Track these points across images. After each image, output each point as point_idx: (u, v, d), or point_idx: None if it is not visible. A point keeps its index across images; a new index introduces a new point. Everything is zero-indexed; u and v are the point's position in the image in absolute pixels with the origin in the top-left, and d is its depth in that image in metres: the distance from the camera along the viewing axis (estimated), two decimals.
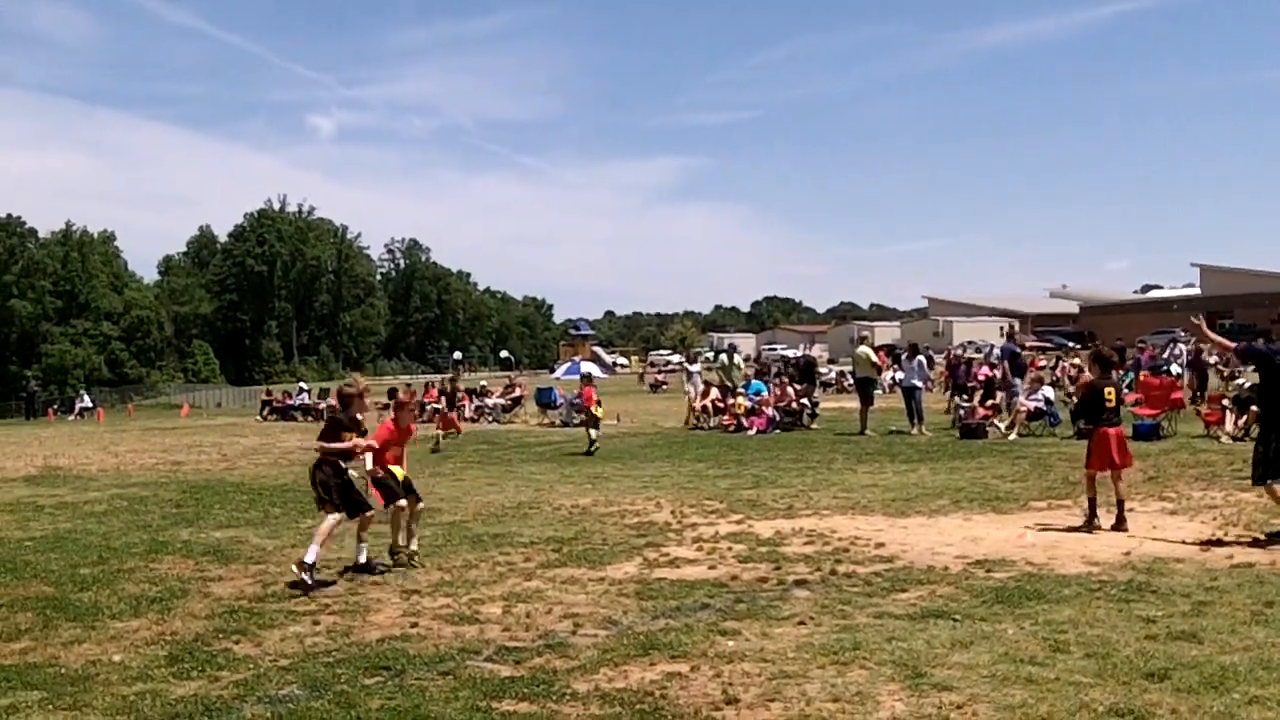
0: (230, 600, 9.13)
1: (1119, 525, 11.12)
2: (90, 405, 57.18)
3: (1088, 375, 13.98)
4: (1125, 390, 19.21)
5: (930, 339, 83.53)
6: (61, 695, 6.59)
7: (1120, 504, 11.32)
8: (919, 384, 24.28)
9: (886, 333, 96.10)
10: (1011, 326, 37.04)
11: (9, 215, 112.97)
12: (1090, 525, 11.30)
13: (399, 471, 10.81)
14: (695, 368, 27.65)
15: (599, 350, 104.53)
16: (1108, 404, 11.64)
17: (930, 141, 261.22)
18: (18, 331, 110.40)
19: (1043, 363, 41.44)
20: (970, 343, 71.90)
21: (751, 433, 24.73)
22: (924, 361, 25.54)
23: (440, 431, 24.35)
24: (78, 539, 12.72)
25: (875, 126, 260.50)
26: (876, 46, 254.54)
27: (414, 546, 10.69)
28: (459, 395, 36.57)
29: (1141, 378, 25.20)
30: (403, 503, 10.56)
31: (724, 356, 30.27)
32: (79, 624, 8.44)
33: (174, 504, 15.63)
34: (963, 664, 6.63)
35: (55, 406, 63.04)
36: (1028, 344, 50.76)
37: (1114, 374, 12.97)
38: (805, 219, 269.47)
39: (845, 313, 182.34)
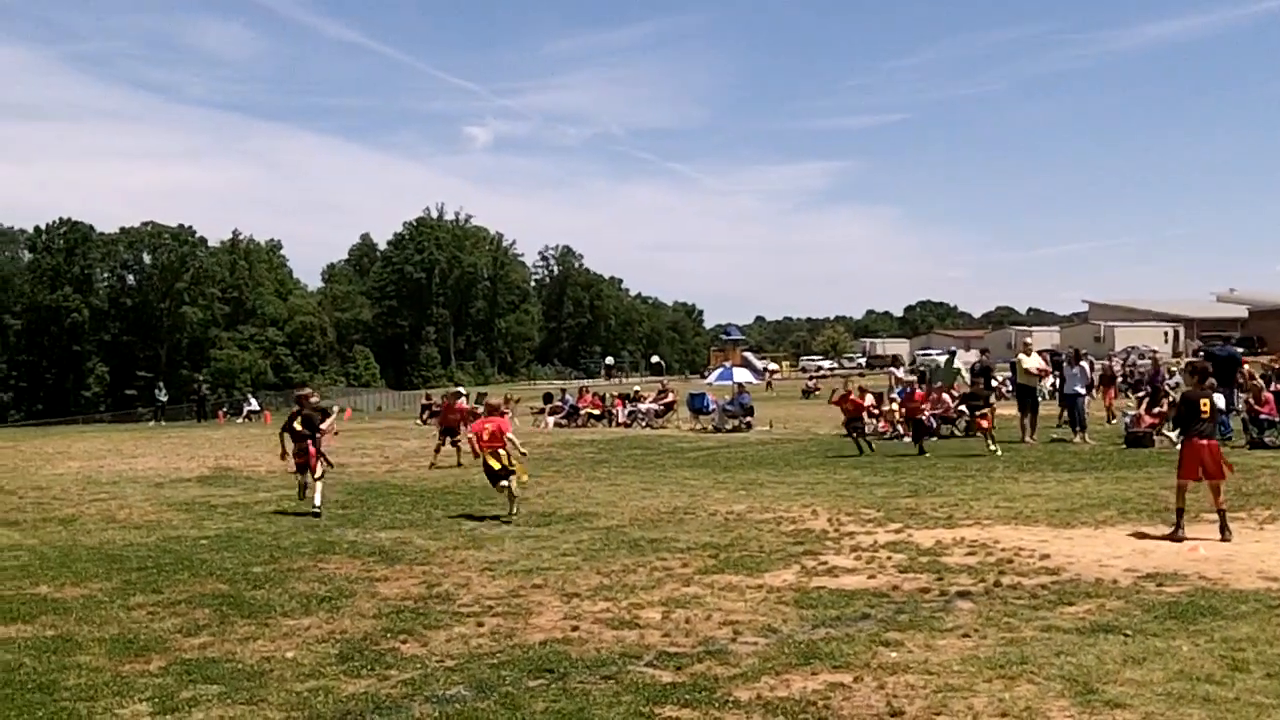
0: (396, 600, 9.37)
1: (1223, 536, 11.01)
2: (257, 408, 59.22)
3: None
4: None
5: (1090, 344, 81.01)
6: (239, 689, 6.85)
7: (1220, 514, 11.24)
8: (1081, 391, 23.60)
9: (1045, 337, 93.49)
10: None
11: (180, 225, 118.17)
12: (1176, 535, 11.16)
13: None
14: (900, 372, 26.74)
15: (749, 355, 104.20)
16: (1203, 415, 11.58)
17: (1086, 141, 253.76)
18: (189, 337, 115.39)
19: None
20: (1133, 348, 69.59)
21: (907, 440, 24.35)
22: (1086, 368, 24.82)
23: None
24: (250, 538, 13.21)
25: (1028, 126, 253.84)
26: (1026, 46, 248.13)
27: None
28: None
29: None
30: None
31: (941, 359, 29.27)
32: (253, 621, 8.77)
33: (339, 505, 16.11)
34: (1135, 681, 6.43)
35: (224, 409, 65.52)
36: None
37: (1209, 385, 12.58)
38: (958, 222, 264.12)
39: (1001, 317, 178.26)
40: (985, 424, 21.44)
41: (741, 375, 36.44)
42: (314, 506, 14.85)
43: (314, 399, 15.90)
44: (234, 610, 9.14)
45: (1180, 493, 11.53)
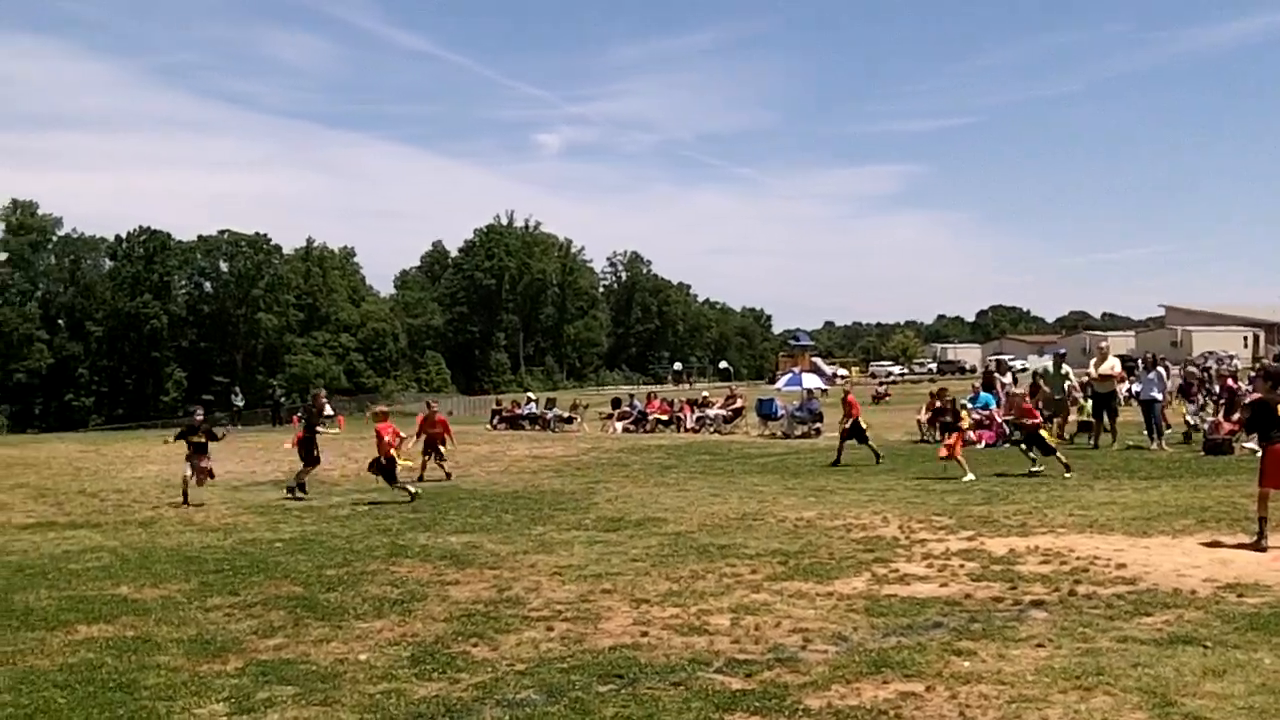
0: (467, 604, 9.44)
1: None
2: (331, 413, 59.82)
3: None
4: None
5: (1167, 349, 79.60)
6: (313, 691, 6.95)
7: None
8: (1158, 396, 23.16)
9: (1121, 342, 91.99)
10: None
11: (256, 233, 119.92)
12: (1259, 545, 10.88)
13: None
14: (1005, 379, 26.02)
15: (819, 361, 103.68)
16: None
17: (1161, 142, 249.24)
18: (264, 343, 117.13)
19: None
20: (1211, 353, 68.25)
21: (979, 446, 24.08)
22: (1163, 373, 24.34)
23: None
24: (323, 541, 13.39)
25: (1102, 127, 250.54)
26: (1099, 46, 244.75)
27: None
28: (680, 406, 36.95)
29: None
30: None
31: (1049, 364, 28.33)
32: (327, 623, 8.89)
33: (411, 509, 16.28)
34: (1216, 694, 6.31)
35: (299, 414, 66.32)
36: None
37: None
38: (1031, 225, 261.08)
39: (1076, 322, 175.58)
40: (948, 450, 19.26)
41: (810, 381, 36.25)
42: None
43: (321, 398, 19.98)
44: (308, 612, 9.27)
45: (1263, 501, 11.28)
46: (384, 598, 9.79)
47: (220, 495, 18.59)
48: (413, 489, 17.57)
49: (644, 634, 8.17)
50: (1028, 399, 21.06)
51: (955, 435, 19.54)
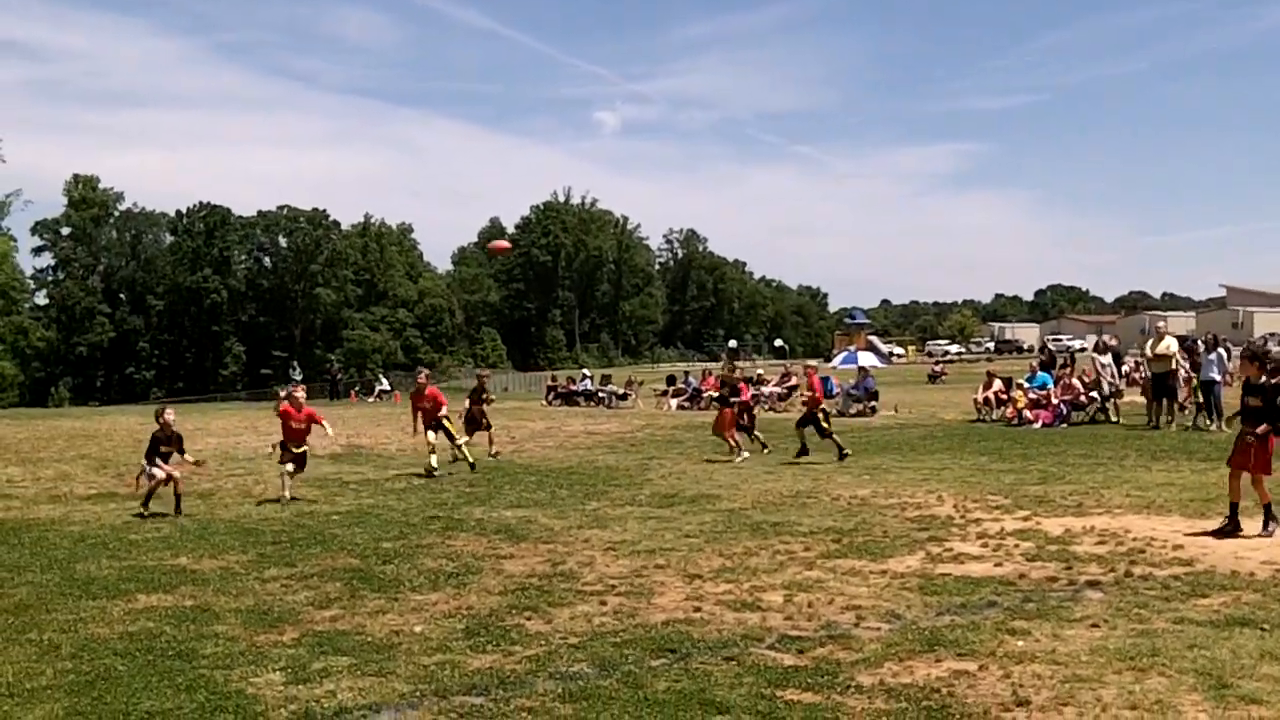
0: (521, 578, 9.51)
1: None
2: (388, 388, 60.45)
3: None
4: None
5: (1229, 330, 78.22)
6: (368, 662, 7.03)
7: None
8: (1217, 378, 22.79)
9: (1180, 323, 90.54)
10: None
11: (315, 209, 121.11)
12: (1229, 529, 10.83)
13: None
14: (1105, 359, 25.45)
15: (874, 339, 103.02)
16: None
17: (1225, 123, 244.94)
18: (323, 318, 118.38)
19: None
20: (1272, 334, 67.03)
21: (1036, 426, 23.86)
22: (1223, 354, 23.93)
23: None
24: (379, 514, 13.54)
25: (1165, 109, 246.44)
26: (1168, 25, 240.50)
27: None
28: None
29: None
30: None
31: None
32: (382, 595, 8.99)
33: (467, 483, 16.41)
34: (1273, 676, 6.22)
35: (356, 389, 67.01)
36: None
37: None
38: (1091, 205, 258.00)
39: (1135, 302, 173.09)
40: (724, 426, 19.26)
41: (866, 359, 36.06)
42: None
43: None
44: (364, 584, 9.38)
45: (1233, 482, 11.06)
46: (439, 571, 9.88)
47: (278, 468, 18.79)
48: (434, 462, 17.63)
49: (697, 609, 8.19)
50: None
51: (727, 410, 19.48)
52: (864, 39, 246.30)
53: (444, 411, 18.49)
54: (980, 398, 27.10)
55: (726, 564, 9.90)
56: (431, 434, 18.07)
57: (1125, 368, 25.17)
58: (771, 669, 6.66)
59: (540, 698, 6.24)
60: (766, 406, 34.41)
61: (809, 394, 19.79)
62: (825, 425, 19.19)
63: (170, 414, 14.57)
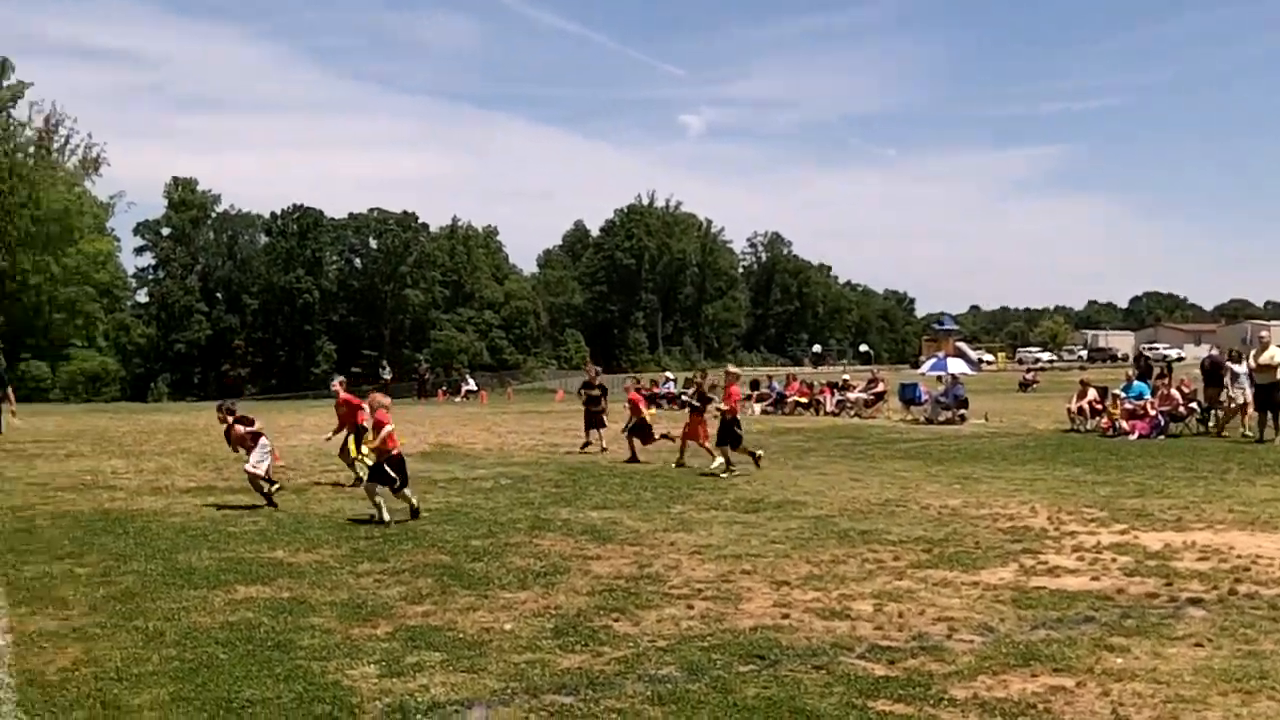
0: (609, 579, 9.52)
1: None
2: (474, 388, 60.97)
3: None
4: None
5: None
6: (460, 658, 7.09)
7: None
8: None
9: None
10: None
11: (404, 211, 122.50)
12: None
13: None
14: (1240, 368, 24.60)
15: (963, 345, 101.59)
16: None
17: None
18: (411, 318, 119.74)
19: None
20: None
21: (1133, 437, 23.35)
22: None
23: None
24: (468, 513, 13.65)
25: (1265, 108, 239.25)
26: (1260, 23, 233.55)
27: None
28: (818, 389, 36.62)
29: None
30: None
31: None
32: (473, 592, 9.06)
33: (553, 484, 16.49)
34: None
35: (443, 388, 67.66)
36: None
37: None
38: (1190, 210, 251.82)
39: (1236, 310, 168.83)
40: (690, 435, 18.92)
41: (955, 366, 35.55)
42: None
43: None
44: (455, 581, 9.46)
45: None
46: (527, 569, 9.94)
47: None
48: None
49: (785, 616, 8.13)
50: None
51: (696, 417, 19.18)
52: (948, 40, 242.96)
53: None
54: (1074, 407, 26.59)
55: (814, 571, 9.82)
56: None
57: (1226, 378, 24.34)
58: (862, 679, 6.58)
59: (629, 699, 6.24)
60: (852, 413, 34.15)
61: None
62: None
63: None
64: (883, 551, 10.74)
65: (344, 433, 16.52)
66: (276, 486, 14.32)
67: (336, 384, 17.52)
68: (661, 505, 14.11)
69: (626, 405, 21.77)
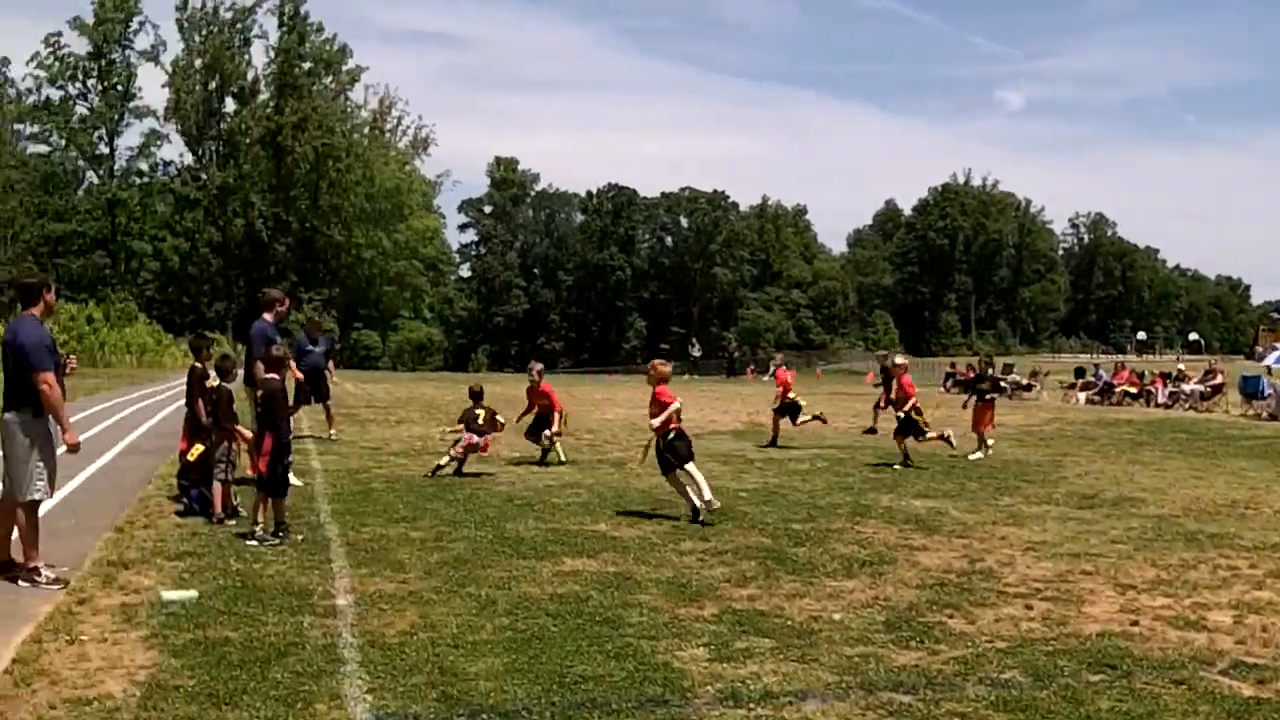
0: (938, 572, 9.19)
1: None
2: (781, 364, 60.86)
3: None
4: None
5: None
6: (790, 647, 6.95)
7: None
8: None
9: None
10: None
11: (715, 190, 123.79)
12: None
13: None
14: None
15: None
16: None
17: None
18: (719, 297, 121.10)
19: None
20: None
21: None
22: None
23: None
24: (786, 495, 13.54)
25: None
26: None
27: None
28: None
29: None
30: None
31: None
32: (797, 578, 8.92)
33: (870, 468, 16.18)
34: None
35: (752, 366, 67.91)
36: None
37: None
38: None
39: None
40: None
41: None
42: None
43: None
44: (778, 565, 9.36)
45: None
46: (852, 557, 9.73)
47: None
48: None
49: (1134, 623, 7.60)
50: None
51: (984, 405, 18.35)
52: None
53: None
54: None
55: (1161, 575, 9.17)
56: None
57: None
58: (1229, 698, 6.06)
59: (972, 703, 5.95)
60: (1187, 405, 32.00)
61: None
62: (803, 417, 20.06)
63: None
64: (1236, 558, 9.93)
65: (534, 413, 16.75)
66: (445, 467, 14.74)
67: (536, 371, 17.33)
68: (989, 496, 13.57)
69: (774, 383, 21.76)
